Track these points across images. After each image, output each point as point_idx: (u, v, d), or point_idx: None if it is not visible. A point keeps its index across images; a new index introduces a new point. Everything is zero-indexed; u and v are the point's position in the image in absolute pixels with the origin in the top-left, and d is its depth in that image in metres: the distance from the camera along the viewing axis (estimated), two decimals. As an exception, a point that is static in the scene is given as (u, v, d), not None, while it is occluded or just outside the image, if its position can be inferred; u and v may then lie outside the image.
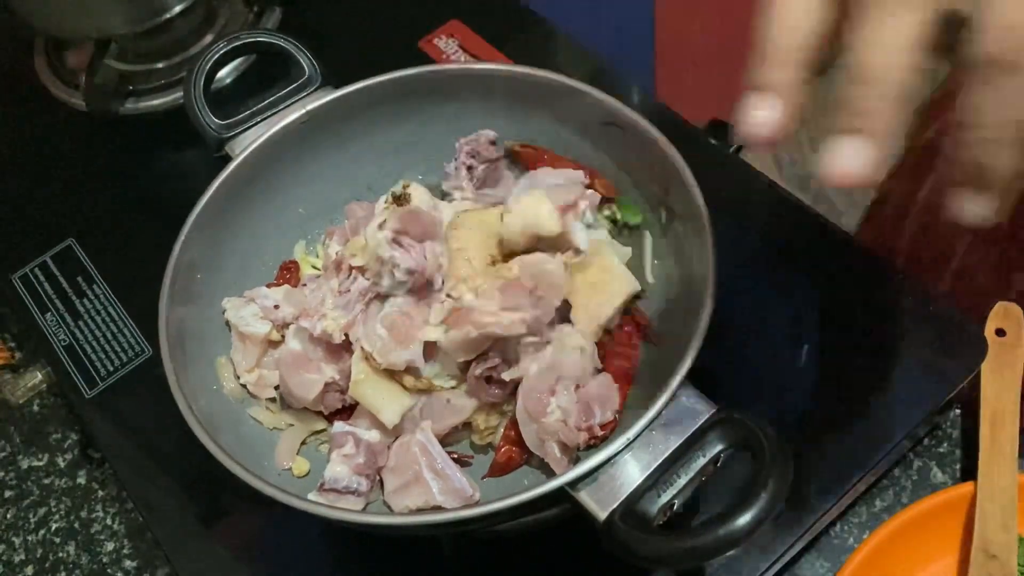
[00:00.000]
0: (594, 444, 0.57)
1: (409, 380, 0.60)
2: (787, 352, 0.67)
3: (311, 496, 0.58)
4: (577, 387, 0.58)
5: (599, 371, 0.60)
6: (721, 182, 0.75)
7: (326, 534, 0.66)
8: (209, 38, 0.96)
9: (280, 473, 0.62)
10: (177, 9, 0.88)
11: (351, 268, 0.62)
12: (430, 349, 0.60)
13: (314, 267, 0.69)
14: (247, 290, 0.65)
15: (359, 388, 0.59)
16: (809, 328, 0.68)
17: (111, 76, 0.94)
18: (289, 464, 0.62)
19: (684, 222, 0.61)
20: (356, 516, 0.55)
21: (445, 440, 0.61)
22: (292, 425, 0.63)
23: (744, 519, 0.44)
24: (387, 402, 0.59)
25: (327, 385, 0.61)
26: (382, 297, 0.61)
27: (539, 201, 0.59)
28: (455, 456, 0.60)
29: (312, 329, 0.60)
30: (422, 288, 0.60)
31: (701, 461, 0.48)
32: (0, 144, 0.94)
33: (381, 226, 0.59)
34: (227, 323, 0.64)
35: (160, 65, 0.94)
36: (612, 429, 0.58)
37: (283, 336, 0.63)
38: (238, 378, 0.63)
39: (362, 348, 0.59)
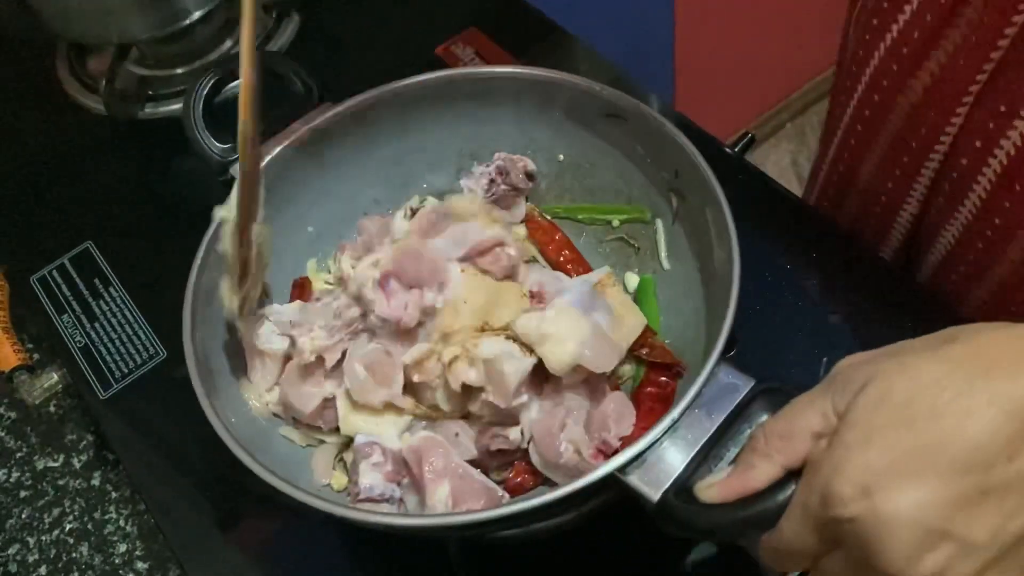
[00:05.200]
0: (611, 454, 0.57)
1: (408, 403, 0.60)
2: (806, 364, 0.66)
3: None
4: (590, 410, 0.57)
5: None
6: (738, 193, 0.75)
7: (342, 540, 0.66)
8: (229, 43, 0.97)
9: (320, 488, 0.61)
10: (197, 15, 0.89)
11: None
12: (412, 386, 0.59)
13: (327, 283, 0.69)
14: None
15: (348, 424, 0.59)
16: (827, 338, 0.67)
17: (131, 81, 0.95)
18: (327, 480, 0.61)
19: (698, 203, 0.61)
20: (414, 520, 0.54)
21: None
22: (323, 442, 0.63)
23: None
24: (383, 427, 0.59)
25: (326, 400, 0.60)
26: (371, 330, 0.60)
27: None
28: None
29: (300, 342, 0.60)
30: (404, 331, 0.59)
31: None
32: (21, 147, 0.95)
33: (376, 263, 0.59)
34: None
35: (179, 70, 0.95)
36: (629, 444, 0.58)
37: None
38: (261, 397, 0.63)
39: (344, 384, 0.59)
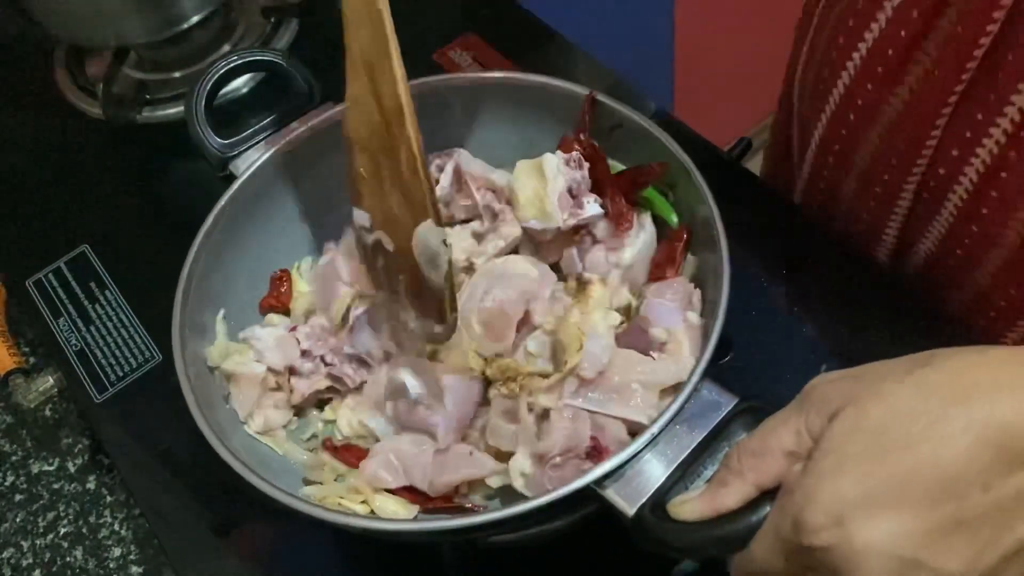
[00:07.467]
0: None
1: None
2: (802, 370, 0.66)
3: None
4: None
5: None
6: (735, 198, 0.75)
7: (336, 545, 0.66)
8: (226, 48, 0.97)
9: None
10: (195, 19, 0.89)
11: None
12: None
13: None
14: (241, 330, 0.64)
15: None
16: (824, 344, 0.67)
17: (129, 85, 0.95)
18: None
19: (689, 210, 0.61)
20: (405, 525, 0.54)
21: (459, 489, 0.60)
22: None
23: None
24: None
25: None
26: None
27: None
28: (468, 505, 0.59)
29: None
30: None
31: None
32: (19, 151, 0.95)
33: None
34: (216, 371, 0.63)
35: (177, 74, 0.95)
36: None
37: (278, 384, 0.63)
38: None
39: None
